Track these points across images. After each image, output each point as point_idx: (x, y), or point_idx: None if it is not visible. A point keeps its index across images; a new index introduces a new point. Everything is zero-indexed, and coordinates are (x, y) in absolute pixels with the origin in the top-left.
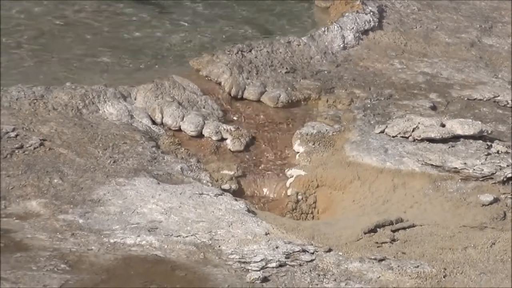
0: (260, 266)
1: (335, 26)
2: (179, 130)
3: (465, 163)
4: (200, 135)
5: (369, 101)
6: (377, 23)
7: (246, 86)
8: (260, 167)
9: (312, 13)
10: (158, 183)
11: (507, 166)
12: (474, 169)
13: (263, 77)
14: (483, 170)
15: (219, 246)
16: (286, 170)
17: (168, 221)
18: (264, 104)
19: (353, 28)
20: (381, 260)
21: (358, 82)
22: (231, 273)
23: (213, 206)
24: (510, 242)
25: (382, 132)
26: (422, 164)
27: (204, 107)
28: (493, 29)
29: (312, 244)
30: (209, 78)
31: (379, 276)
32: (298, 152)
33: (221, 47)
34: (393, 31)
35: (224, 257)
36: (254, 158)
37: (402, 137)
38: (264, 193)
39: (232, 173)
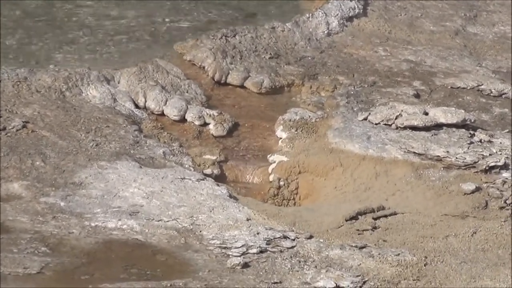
0: (241, 252)
1: (320, 13)
2: (162, 114)
3: (447, 152)
4: (183, 120)
5: (353, 88)
6: (361, 10)
7: (230, 71)
8: (242, 153)
9: None
10: (140, 167)
11: (490, 155)
12: (456, 158)
13: (247, 62)
14: (465, 158)
15: (200, 231)
16: (268, 156)
17: (150, 205)
18: (248, 90)
19: (337, 14)
20: (362, 247)
21: (342, 69)
22: (212, 258)
23: (195, 191)
24: (491, 232)
25: (365, 119)
26: (405, 151)
27: (187, 92)
28: (477, 18)
29: (293, 231)
30: (193, 63)
31: (360, 264)
32: (280, 138)
33: (205, 32)
34: (377, 18)
35: (205, 242)
36: (236, 143)
37: (385, 124)
38: (246, 179)
39: (214, 158)
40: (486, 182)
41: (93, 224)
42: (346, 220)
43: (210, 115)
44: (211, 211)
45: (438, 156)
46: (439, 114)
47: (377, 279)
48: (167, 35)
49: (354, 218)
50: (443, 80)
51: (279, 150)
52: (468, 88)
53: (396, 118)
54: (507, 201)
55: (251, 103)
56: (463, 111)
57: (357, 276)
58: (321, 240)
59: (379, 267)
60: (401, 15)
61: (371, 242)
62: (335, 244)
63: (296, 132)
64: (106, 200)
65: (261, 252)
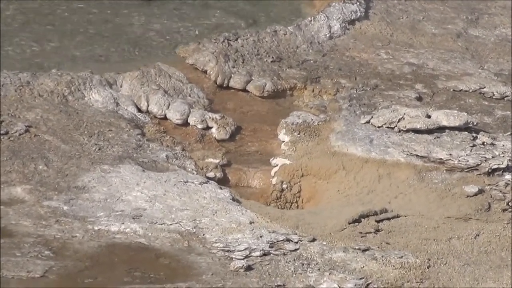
0: (244, 255)
1: (322, 16)
2: (165, 118)
3: (450, 154)
4: (185, 123)
5: (355, 91)
6: (363, 13)
7: (232, 75)
8: (245, 156)
9: (298, 3)
10: (143, 171)
11: (492, 157)
12: (459, 160)
13: (249, 66)
14: (468, 161)
15: (203, 234)
16: (271, 159)
17: (153, 208)
18: (250, 93)
19: (339, 18)
20: (365, 250)
21: (344, 72)
22: (215, 261)
23: (198, 194)
24: (494, 234)
25: (368, 122)
26: (407, 154)
27: (189, 95)
28: (479, 21)
29: (296, 234)
30: (195, 67)
31: (363, 266)
32: (283, 141)
33: (208, 36)
34: (379, 21)
35: (208, 245)
36: (239, 146)
37: (387, 127)
38: (249, 182)
39: (217, 161)
40: (489, 185)
41: (96, 228)
42: (349, 223)
43: (212, 119)
44: (214, 214)
45: (441, 158)
46: (442, 117)
47: (380, 282)
48: (170, 39)
49: (357, 221)
50: (445, 83)
51: (281, 153)
52: (470, 91)
53: (398, 121)
54: (509, 203)
55: (253, 106)
56: (465, 113)
57: (360, 278)
58: (324, 243)
59: (382, 270)
60: (403, 18)
61: (374, 244)
62: (338, 246)
63: (298, 135)
64: (109, 204)
65: (264, 255)
